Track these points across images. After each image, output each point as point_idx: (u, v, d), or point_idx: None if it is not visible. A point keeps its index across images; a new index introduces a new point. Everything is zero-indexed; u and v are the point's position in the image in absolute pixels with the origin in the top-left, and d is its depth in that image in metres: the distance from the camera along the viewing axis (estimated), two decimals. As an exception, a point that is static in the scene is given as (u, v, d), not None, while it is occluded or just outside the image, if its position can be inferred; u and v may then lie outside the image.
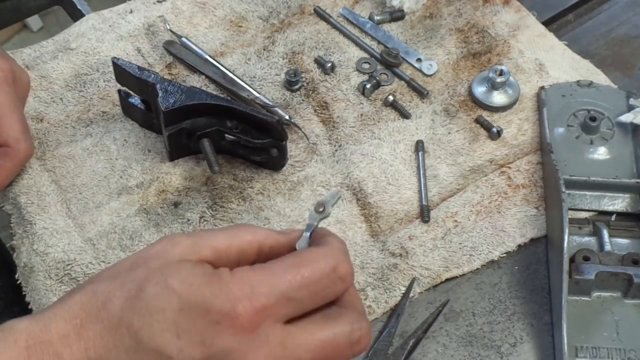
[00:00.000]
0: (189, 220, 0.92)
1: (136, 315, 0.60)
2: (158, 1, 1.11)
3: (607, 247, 0.88)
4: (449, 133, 0.99)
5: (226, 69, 1.03)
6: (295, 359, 0.60)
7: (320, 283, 0.61)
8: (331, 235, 0.66)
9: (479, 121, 1.00)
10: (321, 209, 0.68)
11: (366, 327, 0.63)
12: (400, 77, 1.04)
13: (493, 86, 1.00)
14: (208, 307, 0.59)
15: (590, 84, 1.01)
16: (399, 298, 0.87)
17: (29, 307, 0.88)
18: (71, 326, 0.61)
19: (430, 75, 1.05)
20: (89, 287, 0.63)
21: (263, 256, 0.65)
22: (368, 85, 1.02)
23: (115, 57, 0.94)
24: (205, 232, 0.65)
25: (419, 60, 1.06)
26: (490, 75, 1.00)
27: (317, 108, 1.02)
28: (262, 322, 0.59)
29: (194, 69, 1.04)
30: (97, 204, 0.93)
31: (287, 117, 0.99)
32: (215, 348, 0.59)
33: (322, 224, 0.92)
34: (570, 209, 0.89)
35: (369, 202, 0.94)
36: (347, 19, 1.10)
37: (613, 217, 0.92)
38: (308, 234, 0.66)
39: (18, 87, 0.93)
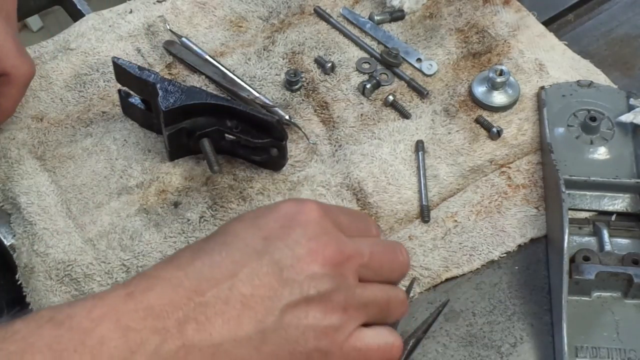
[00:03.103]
0: (189, 220, 0.92)
1: (218, 233, 0.70)
2: (158, 1, 1.11)
3: (607, 247, 0.88)
4: (449, 133, 0.99)
5: (226, 69, 1.04)
6: (359, 247, 0.71)
7: (358, 216, 0.78)
8: None
9: (479, 121, 1.00)
10: None
11: (404, 247, 0.77)
12: (400, 77, 1.04)
13: (493, 86, 1.00)
14: (279, 209, 0.70)
15: (590, 84, 1.01)
16: (399, 298, 0.87)
17: (29, 307, 0.88)
18: (165, 261, 0.69)
19: (430, 75, 1.05)
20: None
21: None
22: (368, 85, 1.02)
23: (115, 57, 0.94)
24: None
25: (419, 60, 1.06)
26: (490, 75, 1.00)
27: (317, 108, 1.02)
28: (327, 217, 0.70)
29: (194, 69, 1.04)
30: (97, 204, 0.93)
31: (287, 117, 0.99)
32: (295, 229, 0.68)
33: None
34: (570, 209, 0.89)
35: (369, 202, 0.94)
36: (347, 19, 1.10)
37: (613, 217, 0.92)
38: None
39: (2, 6, 0.92)
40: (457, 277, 0.89)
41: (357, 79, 1.04)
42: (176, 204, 0.93)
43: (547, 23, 1.11)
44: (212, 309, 0.64)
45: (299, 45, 1.07)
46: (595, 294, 0.86)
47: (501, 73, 1.00)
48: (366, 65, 1.05)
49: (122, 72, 0.94)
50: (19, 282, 0.90)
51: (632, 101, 0.99)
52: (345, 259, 0.69)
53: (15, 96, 0.94)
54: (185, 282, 0.64)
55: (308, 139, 0.99)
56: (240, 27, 1.09)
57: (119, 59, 0.94)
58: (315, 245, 0.67)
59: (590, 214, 0.93)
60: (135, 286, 0.64)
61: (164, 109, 0.90)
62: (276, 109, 0.99)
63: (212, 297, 0.64)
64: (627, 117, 0.96)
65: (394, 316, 0.74)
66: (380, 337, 0.71)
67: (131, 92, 0.97)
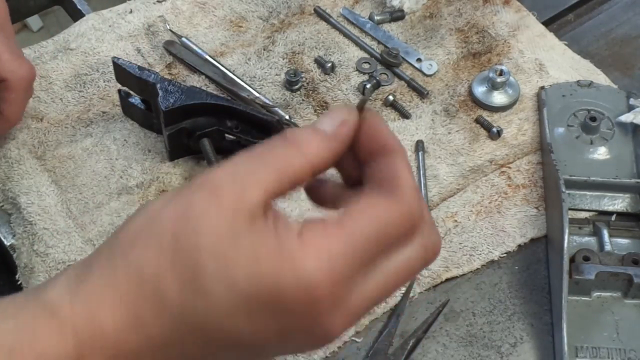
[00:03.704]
0: (189, 220, 0.92)
1: (199, 308, 0.52)
2: (158, 1, 1.11)
3: (607, 247, 0.88)
4: (449, 133, 0.99)
5: (226, 69, 1.04)
6: (372, 300, 0.55)
7: (397, 236, 0.56)
8: (397, 158, 0.57)
9: (479, 121, 1.00)
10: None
11: (437, 239, 0.58)
12: (400, 77, 1.04)
13: (493, 86, 1.00)
14: (281, 293, 0.52)
15: (590, 84, 1.01)
16: (399, 298, 0.87)
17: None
18: (127, 318, 0.52)
19: (430, 75, 1.05)
20: (131, 259, 0.53)
21: (317, 173, 0.56)
22: (368, 85, 1.02)
23: (115, 57, 0.94)
24: (247, 169, 0.53)
25: (419, 60, 1.06)
26: (491, 75, 1.00)
27: (317, 108, 1.02)
28: (339, 293, 0.53)
29: (194, 69, 1.04)
30: (97, 204, 0.93)
31: (287, 117, 0.99)
32: (294, 333, 0.53)
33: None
34: (570, 209, 0.89)
35: (369, 202, 0.93)
36: (347, 19, 1.10)
37: (613, 217, 0.93)
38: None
39: None
40: (457, 277, 0.89)
41: (357, 79, 1.04)
42: (176, 204, 0.93)
43: (547, 23, 1.11)
44: None
45: (299, 45, 1.07)
46: (595, 294, 0.86)
47: (501, 73, 1.00)
48: (366, 65, 1.05)
49: (122, 72, 0.94)
50: (19, 282, 0.90)
51: (632, 101, 0.99)
52: None
53: (17, 101, 0.93)
54: None
55: (308, 139, 0.98)
56: (240, 27, 1.09)
57: (119, 59, 0.94)
58: None
59: (590, 214, 0.93)
60: None
61: (164, 109, 0.90)
62: (276, 109, 0.99)
63: None
64: (627, 117, 0.96)
65: None
66: None
67: (131, 92, 0.97)
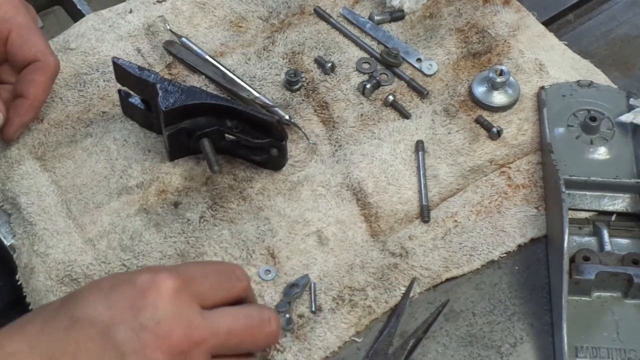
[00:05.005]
0: (189, 220, 0.92)
1: (71, 303, 0.67)
2: (158, 1, 1.11)
3: (607, 247, 0.88)
4: (449, 133, 0.99)
5: (226, 69, 1.03)
6: (214, 326, 0.68)
7: (223, 273, 0.73)
8: None
9: (479, 121, 1.00)
10: None
11: (274, 313, 0.73)
12: (400, 77, 1.04)
13: (493, 86, 1.00)
14: (134, 280, 0.68)
15: (590, 84, 1.01)
16: (399, 298, 0.87)
17: (29, 307, 0.88)
18: (16, 327, 0.67)
19: (430, 75, 1.05)
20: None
21: None
22: (368, 85, 1.02)
23: (115, 57, 0.94)
24: None
25: (419, 60, 1.06)
26: (490, 75, 1.00)
27: (317, 108, 1.02)
28: (183, 291, 0.68)
29: (194, 69, 1.04)
30: (97, 204, 0.93)
31: (287, 117, 0.99)
32: (144, 310, 0.66)
33: (322, 224, 0.92)
34: (570, 209, 0.89)
35: (369, 202, 0.94)
36: (347, 19, 1.10)
37: (613, 217, 0.93)
38: None
39: (30, 11, 0.98)
40: (457, 277, 0.89)
41: (357, 79, 1.04)
42: (176, 204, 0.93)
43: (547, 23, 1.11)
44: None
45: (299, 45, 1.07)
46: (595, 294, 0.86)
47: (501, 73, 1.00)
48: (366, 65, 1.05)
49: (122, 72, 0.94)
50: (19, 283, 0.90)
51: (632, 101, 0.99)
52: (194, 345, 0.66)
53: (44, 85, 0.94)
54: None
55: (308, 139, 0.99)
56: (240, 27, 1.09)
57: (119, 58, 0.94)
58: (162, 330, 0.65)
59: (590, 214, 0.93)
60: None
61: (164, 109, 0.90)
62: (276, 109, 0.99)
63: None
64: (627, 117, 0.96)
65: None
66: None
67: (131, 92, 0.97)
